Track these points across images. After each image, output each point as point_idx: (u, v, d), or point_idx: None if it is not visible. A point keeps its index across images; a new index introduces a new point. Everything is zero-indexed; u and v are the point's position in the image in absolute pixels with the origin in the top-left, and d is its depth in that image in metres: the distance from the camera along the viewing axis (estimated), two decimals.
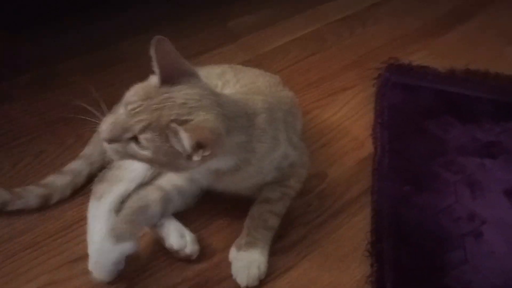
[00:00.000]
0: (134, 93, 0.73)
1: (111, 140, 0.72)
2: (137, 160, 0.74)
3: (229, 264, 0.86)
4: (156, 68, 0.73)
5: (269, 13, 1.59)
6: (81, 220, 0.91)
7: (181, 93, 0.71)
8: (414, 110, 1.22)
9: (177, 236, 0.86)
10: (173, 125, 0.68)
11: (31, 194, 0.92)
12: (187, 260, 0.86)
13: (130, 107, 0.71)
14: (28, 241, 0.88)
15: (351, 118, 1.21)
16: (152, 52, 0.72)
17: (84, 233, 0.88)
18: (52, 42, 1.40)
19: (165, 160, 0.71)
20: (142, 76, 1.27)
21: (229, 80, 0.99)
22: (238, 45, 1.45)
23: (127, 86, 1.20)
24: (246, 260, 0.84)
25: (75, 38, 1.43)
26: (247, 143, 0.81)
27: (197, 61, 1.36)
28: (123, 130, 0.70)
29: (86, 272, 0.82)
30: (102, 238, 0.80)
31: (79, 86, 1.25)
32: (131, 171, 0.91)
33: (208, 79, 0.98)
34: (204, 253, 0.87)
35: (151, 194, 0.87)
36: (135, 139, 0.70)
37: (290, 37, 1.49)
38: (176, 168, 0.76)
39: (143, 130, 0.69)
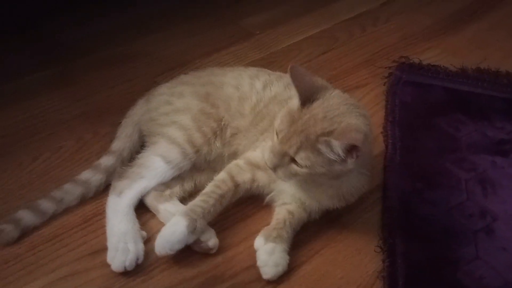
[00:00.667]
0: (281, 122, 0.82)
1: (275, 167, 0.82)
2: (300, 177, 0.83)
3: (243, 259, 0.88)
4: (295, 92, 0.81)
5: (282, 11, 1.62)
6: (99, 214, 0.94)
7: (320, 108, 0.79)
8: (425, 108, 1.23)
9: None
10: (322, 138, 0.76)
11: (72, 196, 0.95)
12: (204, 253, 0.88)
13: (281, 135, 0.80)
14: (48, 234, 0.91)
15: None
16: (290, 79, 0.81)
17: (102, 226, 0.91)
18: (69, 39, 1.43)
19: (323, 170, 0.79)
20: (158, 71, 1.32)
21: (270, 80, 1.03)
22: (251, 43, 1.47)
23: (143, 81, 1.26)
24: (276, 256, 0.85)
25: (91, 34, 1.46)
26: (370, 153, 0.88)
27: (211, 59, 1.39)
28: (281, 156, 0.80)
29: (105, 264, 0.85)
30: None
31: (95, 82, 1.28)
32: (152, 170, 0.93)
33: (241, 79, 1.03)
34: (219, 247, 0.89)
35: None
36: (293, 160, 0.79)
37: (303, 35, 1.51)
38: (335, 175, 0.82)
39: (297, 151, 0.78)
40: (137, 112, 1.06)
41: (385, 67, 1.37)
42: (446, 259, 0.88)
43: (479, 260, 0.88)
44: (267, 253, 0.85)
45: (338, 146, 0.75)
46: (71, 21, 1.50)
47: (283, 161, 0.81)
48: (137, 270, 0.85)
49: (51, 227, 0.92)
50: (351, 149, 0.76)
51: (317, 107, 0.80)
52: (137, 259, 0.85)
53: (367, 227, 0.95)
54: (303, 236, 0.92)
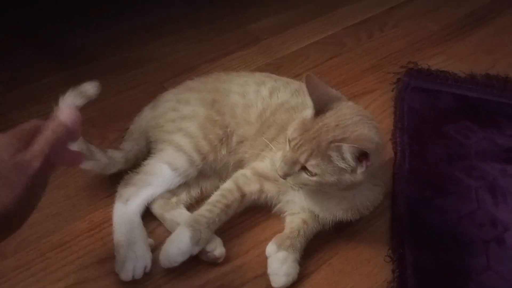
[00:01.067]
0: (293, 130, 0.81)
1: (285, 175, 0.81)
2: (310, 187, 0.82)
3: (252, 268, 0.88)
4: (309, 101, 0.81)
5: (289, 16, 1.61)
6: (107, 221, 0.93)
7: (333, 117, 0.79)
8: (433, 115, 1.23)
9: None
10: (333, 144, 0.76)
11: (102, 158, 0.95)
12: (212, 262, 0.87)
13: (293, 143, 0.80)
14: (56, 241, 0.91)
15: None
16: (305, 88, 0.81)
17: (109, 234, 0.90)
18: (77, 43, 1.43)
19: (333, 180, 0.78)
20: (166, 77, 1.32)
21: (276, 87, 1.02)
22: (258, 48, 1.46)
23: (151, 87, 1.26)
24: (288, 265, 0.84)
25: (99, 39, 1.46)
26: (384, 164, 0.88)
27: (218, 64, 1.39)
28: (292, 164, 0.80)
29: (113, 272, 0.85)
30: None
31: (103, 87, 1.25)
32: (158, 177, 0.93)
33: (247, 86, 1.03)
34: (226, 255, 0.89)
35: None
36: (304, 169, 0.79)
37: (309, 40, 1.50)
38: (345, 186, 0.80)
39: (308, 159, 0.78)
40: (144, 118, 1.06)
41: (393, 73, 1.36)
42: (457, 270, 0.88)
43: (491, 270, 0.87)
44: (279, 261, 0.85)
45: (348, 151, 0.75)
46: (80, 25, 1.50)
47: (293, 169, 0.80)
48: (145, 278, 0.85)
49: (59, 234, 0.92)
50: (361, 157, 0.76)
51: (330, 117, 0.80)
52: (145, 267, 0.85)
53: (377, 236, 0.94)
54: (312, 244, 0.91)
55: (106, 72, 1.33)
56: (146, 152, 1.02)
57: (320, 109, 0.81)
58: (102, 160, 0.94)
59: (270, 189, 0.92)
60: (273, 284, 0.84)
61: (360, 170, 0.77)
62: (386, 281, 0.87)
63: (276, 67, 1.38)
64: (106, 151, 0.96)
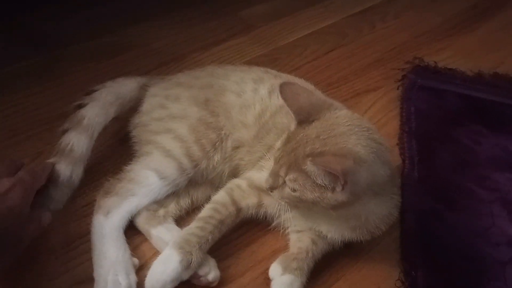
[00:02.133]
0: (279, 142, 0.75)
1: (271, 188, 0.74)
2: (295, 203, 0.74)
3: None
4: (290, 112, 0.74)
5: (285, 2, 1.49)
6: (84, 236, 0.81)
7: (316, 128, 0.71)
8: (442, 117, 1.14)
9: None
10: (306, 159, 0.68)
11: None
12: (205, 287, 0.77)
13: (276, 155, 0.74)
14: (26, 258, 0.78)
15: (376, 123, 1.11)
16: (282, 99, 0.74)
17: (87, 251, 0.79)
18: (52, 27, 1.28)
19: (313, 198, 0.70)
20: (151, 66, 1.19)
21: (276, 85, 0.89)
22: (252, 37, 1.35)
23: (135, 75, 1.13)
24: None
25: (77, 23, 1.31)
26: (391, 177, 0.76)
27: (209, 53, 1.27)
28: (275, 177, 0.73)
29: None
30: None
31: (80, 76, 1.15)
32: (144, 186, 0.81)
33: (244, 83, 0.91)
34: (222, 278, 0.78)
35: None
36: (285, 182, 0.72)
37: (308, 30, 1.40)
38: (331, 204, 0.70)
39: (286, 172, 0.71)
40: (128, 89, 0.94)
41: (398, 69, 1.27)
42: None
43: None
44: (285, 286, 0.75)
45: (315, 170, 0.66)
46: (55, 12, 1.34)
47: (277, 182, 0.73)
48: None
49: (29, 249, 0.79)
50: (335, 177, 0.66)
51: (314, 127, 0.71)
52: None
53: (385, 255, 0.86)
54: (316, 268, 0.82)
55: (84, 59, 1.19)
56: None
57: (304, 119, 0.73)
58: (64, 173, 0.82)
59: (270, 204, 0.81)
60: None
61: (338, 189, 0.67)
62: None
63: (273, 59, 1.27)
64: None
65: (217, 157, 0.87)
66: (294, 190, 0.71)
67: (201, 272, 0.76)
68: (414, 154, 1.03)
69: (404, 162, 1.02)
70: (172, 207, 0.86)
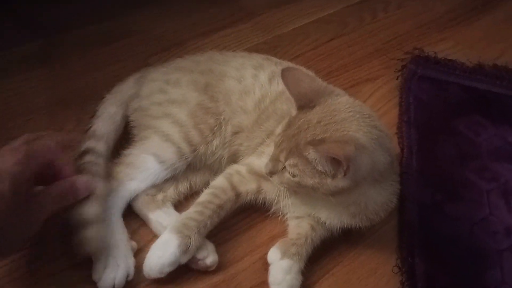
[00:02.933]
0: (280, 127, 0.75)
1: (270, 173, 0.74)
2: (295, 188, 0.74)
3: (247, 277, 0.78)
4: (291, 97, 0.74)
5: None
6: None
7: (318, 113, 0.71)
8: (442, 107, 1.14)
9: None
10: (307, 146, 0.67)
11: None
12: (203, 271, 0.77)
13: (276, 140, 0.74)
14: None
15: (376, 112, 1.10)
16: (283, 83, 0.74)
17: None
18: (51, 12, 1.27)
19: (313, 183, 0.70)
20: (151, 52, 1.18)
21: (277, 72, 0.89)
22: (253, 24, 1.34)
23: (134, 63, 1.12)
24: (292, 276, 0.75)
25: (76, 8, 1.30)
26: (391, 164, 0.76)
27: (209, 40, 1.27)
28: (275, 162, 0.73)
29: (89, 280, 0.73)
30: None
31: (79, 62, 1.14)
32: (143, 171, 0.81)
33: (244, 70, 0.91)
34: (219, 263, 0.79)
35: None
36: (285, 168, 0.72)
37: (309, 18, 1.39)
38: (331, 191, 0.70)
39: (286, 157, 0.70)
40: (126, 91, 0.93)
41: (398, 59, 1.26)
42: (471, 284, 0.80)
43: (506, 285, 0.80)
44: (283, 271, 0.75)
45: (317, 157, 0.67)
46: None
47: (277, 167, 0.73)
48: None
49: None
50: (337, 164, 0.66)
51: (315, 113, 0.71)
52: (128, 275, 0.74)
53: (383, 243, 0.86)
54: (314, 253, 0.82)
55: (83, 45, 1.18)
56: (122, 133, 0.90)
57: (304, 105, 0.72)
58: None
59: (269, 190, 0.81)
60: None
61: (340, 175, 0.67)
62: None
63: (273, 47, 1.26)
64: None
65: (216, 142, 0.87)
66: (294, 176, 0.71)
67: (199, 256, 0.76)
68: (413, 143, 1.03)
69: (402, 151, 1.01)
70: (171, 192, 0.86)
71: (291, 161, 0.70)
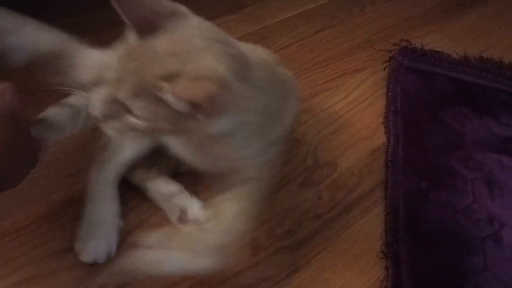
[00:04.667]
0: (110, 59, 0.59)
1: (105, 118, 0.60)
2: (144, 134, 0.65)
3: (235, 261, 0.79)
4: (126, 22, 0.58)
5: None
6: (71, 205, 0.82)
7: (166, 40, 0.56)
8: (428, 98, 1.15)
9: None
10: (159, 82, 0.54)
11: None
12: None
13: (112, 75, 0.58)
14: (8, 228, 0.78)
15: (362, 103, 1.12)
16: (117, 8, 0.57)
17: (72, 220, 0.79)
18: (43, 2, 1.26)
19: (170, 127, 0.58)
20: None
21: None
22: (242, 15, 1.34)
23: None
24: None
25: None
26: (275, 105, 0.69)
27: None
28: (112, 103, 0.58)
29: (75, 265, 0.74)
30: None
31: None
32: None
33: None
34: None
35: None
36: (129, 110, 0.58)
37: (297, 10, 1.39)
38: (191, 133, 0.62)
39: (130, 97, 0.56)
40: None
41: (385, 51, 1.28)
42: (454, 269, 0.82)
43: (488, 271, 0.82)
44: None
45: (173, 99, 0.53)
46: None
47: (114, 110, 0.59)
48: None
49: (11, 219, 0.79)
50: (197, 105, 0.53)
51: (162, 40, 0.57)
52: (110, 253, 0.75)
53: (368, 229, 0.87)
54: (299, 238, 0.83)
55: (76, 34, 1.17)
56: None
57: (146, 31, 0.57)
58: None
59: None
60: None
61: (201, 117, 0.55)
62: (379, 279, 0.80)
63: (261, 37, 1.26)
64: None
65: None
66: (142, 119, 0.58)
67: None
68: (399, 132, 1.04)
69: (389, 140, 1.03)
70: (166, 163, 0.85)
71: (138, 102, 0.56)
